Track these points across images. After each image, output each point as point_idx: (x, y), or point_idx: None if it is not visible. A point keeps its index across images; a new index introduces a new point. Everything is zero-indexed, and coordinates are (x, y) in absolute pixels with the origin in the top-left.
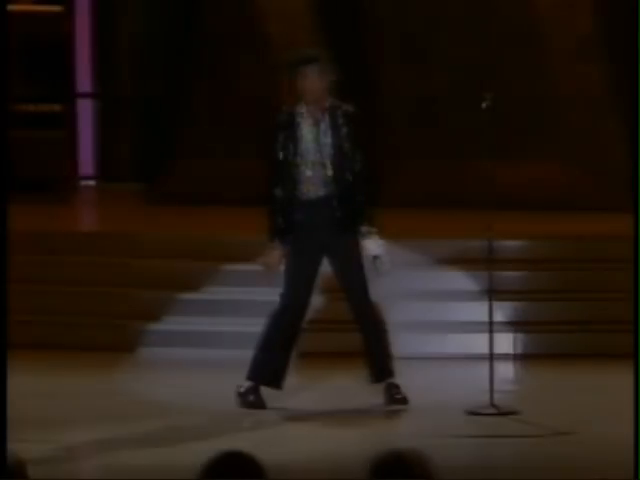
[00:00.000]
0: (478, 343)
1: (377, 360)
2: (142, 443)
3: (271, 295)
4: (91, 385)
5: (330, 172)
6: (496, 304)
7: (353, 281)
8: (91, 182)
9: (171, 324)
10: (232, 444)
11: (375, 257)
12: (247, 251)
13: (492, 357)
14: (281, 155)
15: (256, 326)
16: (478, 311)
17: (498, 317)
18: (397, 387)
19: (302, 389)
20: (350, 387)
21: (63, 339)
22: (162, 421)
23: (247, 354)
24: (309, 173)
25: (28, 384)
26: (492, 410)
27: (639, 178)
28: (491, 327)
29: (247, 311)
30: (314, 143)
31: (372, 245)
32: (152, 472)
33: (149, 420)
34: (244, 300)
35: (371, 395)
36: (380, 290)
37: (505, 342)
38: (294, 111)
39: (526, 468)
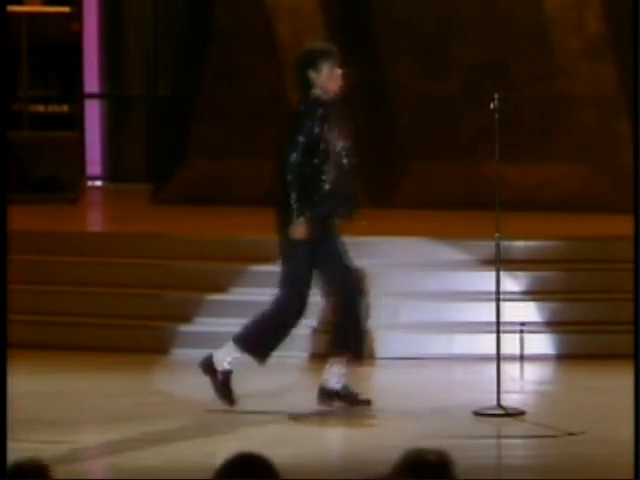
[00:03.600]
0: (486, 343)
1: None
2: (156, 443)
3: None
4: (111, 386)
5: (346, 163)
6: (505, 304)
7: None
8: (100, 183)
9: (196, 325)
10: (248, 444)
11: None
12: (270, 251)
13: (499, 358)
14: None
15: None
16: (486, 311)
17: (506, 317)
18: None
19: (311, 389)
20: (358, 388)
21: (77, 340)
22: (181, 421)
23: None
24: (332, 167)
25: (48, 385)
26: (499, 411)
27: (639, 178)
28: (498, 327)
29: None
30: (334, 135)
31: None
32: (162, 472)
33: (167, 420)
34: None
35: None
36: (390, 291)
37: (513, 343)
38: (322, 101)
39: (536, 468)
